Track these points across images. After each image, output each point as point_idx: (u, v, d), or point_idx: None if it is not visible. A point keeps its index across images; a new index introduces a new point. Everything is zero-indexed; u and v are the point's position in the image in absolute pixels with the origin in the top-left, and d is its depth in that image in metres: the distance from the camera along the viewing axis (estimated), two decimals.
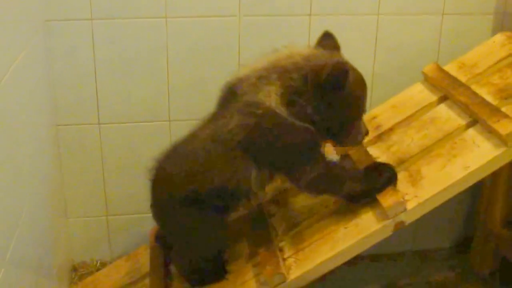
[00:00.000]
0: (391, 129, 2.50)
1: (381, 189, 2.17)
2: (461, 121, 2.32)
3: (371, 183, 2.18)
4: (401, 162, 2.31)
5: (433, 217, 2.96)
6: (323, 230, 2.23)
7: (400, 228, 2.13)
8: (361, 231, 2.13)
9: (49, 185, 2.56)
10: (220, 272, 2.34)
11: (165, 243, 2.52)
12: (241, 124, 2.08)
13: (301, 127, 2.07)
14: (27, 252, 2.08)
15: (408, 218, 2.12)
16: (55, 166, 2.72)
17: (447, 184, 2.12)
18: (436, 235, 3.20)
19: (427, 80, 2.63)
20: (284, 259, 2.19)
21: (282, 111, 2.06)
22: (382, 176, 2.19)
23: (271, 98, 2.07)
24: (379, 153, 2.40)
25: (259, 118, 2.06)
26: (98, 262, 2.99)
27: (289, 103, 2.08)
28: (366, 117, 2.61)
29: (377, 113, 2.63)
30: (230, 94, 2.18)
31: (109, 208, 2.94)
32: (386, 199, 2.12)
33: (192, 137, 2.22)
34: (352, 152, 2.44)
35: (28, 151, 2.20)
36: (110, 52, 2.70)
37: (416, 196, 2.13)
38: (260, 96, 2.08)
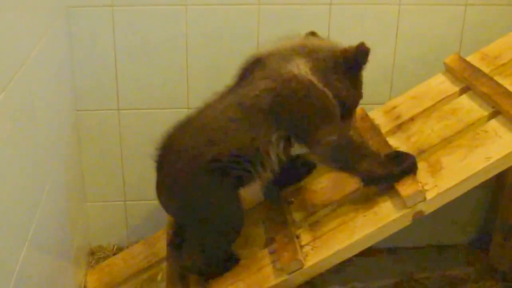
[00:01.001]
0: (411, 119, 2.48)
1: (400, 176, 2.15)
2: (483, 112, 2.30)
3: (391, 168, 2.16)
4: (421, 152, 2.29)
5: (452, 212, 2.96)
6: (341, 218, 2.22)
7: (418, 217, 2.11)
8: (380, 219, 2.12)
9: (68, 170, 2.57)
10: (232, 260, 2.32)
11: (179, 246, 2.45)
12: (268, 88, 2.13)
13: (326, 92, 2.15)
14: (46, 234, 2.09)
15: (427, 208, 2.10)
16: (74, 151, 2.73)
17: (468, 174, 2.10)
18: (454, 230, 3.17)
19: (449, 71, 2.61)
20: (301, 246, 2.19)
21: (313, 78, 2.15)
22: (403, 164, 2.17)
23: (300, 68, 2.16)
24: (398, 143, 2.38)
25: (287, 82, 2.13)
26: (115, 246, 3.01)
27: (320, 76, 2.17)
28: (385, 107, 2.63)
29: (397, 103, 2.62)
30: (256, 65, 2.22)
31: (127, 194, 2.95)
32: (405, 188, 2.10)
33: (209, 109, 2.24)
34: (372, 141, 2.42)
35: (49, 135, 2.21)
36: (130, 39, 2.71)
37: (436, 186, 2.11)
38: (289, 66, 2.16)
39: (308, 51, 2.21)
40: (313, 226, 2.26)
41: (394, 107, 2.59)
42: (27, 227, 1.83)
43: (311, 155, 2.29)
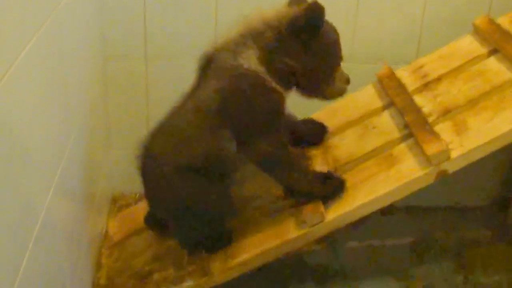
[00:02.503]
0: (438, 79, 2.47)
1: (322, 198, 2.20)
2: (511, 75, 2.29)
3: (315, 188, 2.20)
4: (447, 112, 2.29)
5: (471, 174, 2.95)
6: (363, 174, 2.24)
7: (442, 176, 2.12)
8: (403, 177, 2.14)
9: (95, 117, 2.59)
10: (225, 238, 2.35)
11: (155, 224, 2.52)
12: (217, 89, 2.11)
13: (275, 89, 2.12)
14: (71, 180, 2.12)
15: (451, 167, 2.12)
16: (101, 98, 2.75)
17: (493, 136, 2.10)
18: (473, 192, 3.17)
19: (478, 33, 2.59)
20: None
21: (261, 71, 2.10)
22: (327, 187, 2.21)
23: (250, 60, 2.11)
24: (424, 102, 2.37)
25: (236, 79, 2.10)
26: (137, 195, 3.03)
27: (268, 62, 2.12)
28: (412, 66, 2.61)
29: (424, 62, 2.61)
30: (207, 64, 2.20)
31: None
32: (430, 146, 2.11)
33: (174, 113, 2.24)
34: (398, 99, 2.42)
35: (77, 82, 2.23)
36: None
37: (461, 146, 2.12)
38: (239, 60, 2.12)
39: (257, 35, 2.14)
40: None
41: (421, 66, 2.59)
42: (53, 172, 1.86)
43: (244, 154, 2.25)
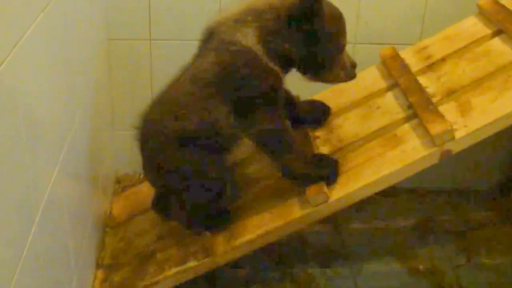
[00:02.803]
0: (442, 60, 2.47)
1: (316, 180, 2.19)
2: None
3: (310, 170, 2.20)
4: (451, 92, 2.29)
5: (475, 157, 2.97)
6: (368, 154, 2.24)
7: (446, 157, 2.12)
8: (407, 157, 2.14)
9: (99, 97, 2.60)
10: (224, 216, 2.36)
11: (163, 208, 2.51)
12: (215, 62, 2.13)
13: (271, 68, 2.13)
14: (76, 159, 2.13)
15: (455, 147, 2.11)
16: (105, 79, 2.76)
17: (498, 116, 2.10)
18: (477, 175, 3.17)
19: (482, 13, 2.58)
20: None
21: (258, 49, 2.12)
22: (323, 169, 2.21)
23: (247, 38, 2.12)
24: (428, 83, 2.37)
25: (233, 55, 2.11)
26: (141, 175, 3.01)
27: (266, 43, 2.13)
28: (416, 47, 2.61)
29: (428, 43, 2.60)
30: (208, 37, 2.21)
31: None
32: (434, 126, 2.11)
33: (174, 84, 2.26)
34: (402, 80, 2.42)
35: (81, 62, 2.24)
36: None
37: (465, 126, 2.11)
38: (237, 36, 2.13)
39: (258, 14, 2.15)
40: (340, 160, 2.26)
41: (425, 47, 2.58)
42: (59, 150, 1.87)
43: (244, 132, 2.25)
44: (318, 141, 2.41)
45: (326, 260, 2.66)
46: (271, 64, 2.14)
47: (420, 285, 2.56)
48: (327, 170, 2.21)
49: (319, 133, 2.47)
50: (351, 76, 2.31)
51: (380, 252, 2.72)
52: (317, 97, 2.62)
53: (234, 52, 2.12)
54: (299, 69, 2.24)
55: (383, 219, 2.93)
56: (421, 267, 2.64)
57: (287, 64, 2.19)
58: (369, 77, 2.58)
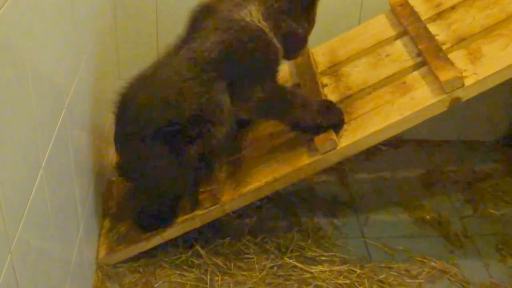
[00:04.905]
0: (452, 8, 2.43)
1: (326, 128, 2.19)
2: None
3: (319, 119, 2.19)
4: (461, 40, 2.26)
5: (482, 109, 2.95)
6: (376, 101, 2.23)
7: (455, 104, 2.10)
8: (416, 104, 2.12)
9: (104, 45, 2.58)
10: (169, 218, 2.33)
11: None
12: (217, 41, 2.10)
13: (274, 45, 2.14)
14: (82, 104, 2.12)
15: (464, 95, 2.10)
16: (110, 27, 2.72)
17: (508, 63, 2.08)
18: (484, 127, 3.16)
19: None
20: None
21: (264, 25, 2.12)
22: (331, 117, 2.20)
23: (252, 15, 2.12)
24: (438, 31, 2.34)
25: (240, 32, 2.10)
26: None
27: (273, 20, 2.14)
28: None
29: None
30: (206, 15, 2.17)
31: None
32: (444, 73, 2.09)
33: (162, 64, 2.21)
34: (411, 28, 2.39)
35: (86, 10, 2.21)
36: None
37: (475, 74, 2.10)
38: (241, 13, 2.12)
39: None
40: (348, 108, 2.26)
41: None
42: (66, 93, 1.86)
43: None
44: (326, 89, 2.40)
45: (334, 209, 2.66)
46: (275, 41, 2.15)
47: (427, 235, 2.56)
48: (335, 118, 2.20)
49: (327, 81, 2.45)
50: None
51: (387, 202, 2.72)
52: (324, 45, 2.59)
53: (240, 29, 2.10)
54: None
55: (390, 170, 2.93)
56: (427, 217, 2.65)
57: (288, 43, 2.21)
58: (378, 25, 2.56)
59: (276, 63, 2.19)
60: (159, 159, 2.19)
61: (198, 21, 2.18)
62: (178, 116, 2.12)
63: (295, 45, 2.26)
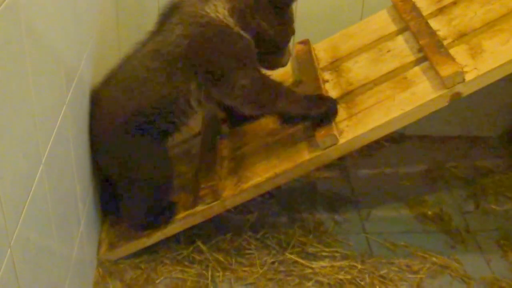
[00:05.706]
0: (453, 3, 2.43)
1: (316, 118, 2.18)
2: None
3: (308, 109, 2.19)
4: (462, 35, 2.26)
5: (484, 104, 2.95)
6: (377, 96, 2.23)
7: (456, 99, 2.10)
8: (417, 99, 2.12)
9: (106, 42, 2.58)
10: (170, 210, 2.34)
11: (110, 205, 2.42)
12: (183, 35, 2.10)
13: (242, 35, 2.12)
14: (83, 103, 2.12)
15: (465, 90, 2.09)
16: (112, 24, 2.73)
17: (509, 58, 2.07)
18: (486, 122, 3.15)
19: None
20: (336, 123, 2.20)
21: (229, 21, 2.11)
22: (321, 107, 2.19)
23: (218, 11, 2.11)
24: (439, 26, 2.34)
25: (203, 26, 2.09)
26: None
27: (240, 17, 2.12)
28: None
29: None
30: (174, 11, 2.18)
31: None
32: (445, 68, 2.09)
33: (130, 59, 2.22)
34: (412, 23, 2.38)
35: (88, 6, 2.21)
36: None
37: (475, 69, 2.10)
38: (206, 8, 2.11)
39: None
40: (349, 103, 2.26)
41: None
42: (67, 89, 1.87)
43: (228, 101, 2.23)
44: (327, 85, 2.40)
45: (335, 205, 2.66)
46: (243, 33, 2.12)
47: (428, 231, 2.56)
48: (324, 107, 2.19)
49: (328, 76, 2.45)
50: (286, 64, 2.36)
51: (389, 198, 2.72)
52: (326, 41, 2.59)
53: (203, 23, 2.10)
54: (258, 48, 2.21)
55: (392, 166, 2.93)
56: (429, 213, 2.64)
57: (257, 41, 2.17)
58: (379, 21, 2.55)
59: (248, 50, 2.14)
60: (134, 151, 2.19)
61: (166, 17, 2.20)
62: (144, 106, 2.13)
63: (266, 48, 2.21)
